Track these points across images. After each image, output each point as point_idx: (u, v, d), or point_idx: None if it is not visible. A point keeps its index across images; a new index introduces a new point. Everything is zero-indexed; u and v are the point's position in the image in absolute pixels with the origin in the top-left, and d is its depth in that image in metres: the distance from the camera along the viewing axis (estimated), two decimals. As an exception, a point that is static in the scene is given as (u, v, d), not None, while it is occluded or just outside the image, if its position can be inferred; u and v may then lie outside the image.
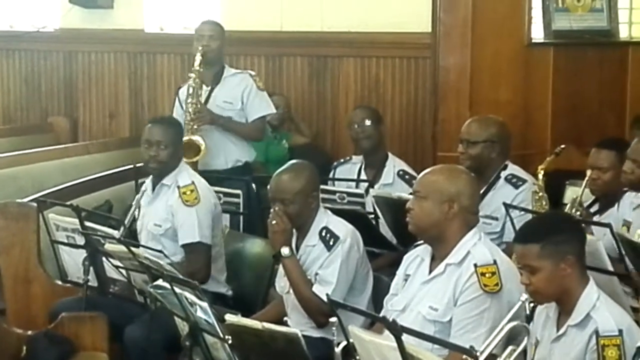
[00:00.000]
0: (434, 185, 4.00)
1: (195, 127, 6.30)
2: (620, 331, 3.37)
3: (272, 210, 4.57)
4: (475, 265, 3.83)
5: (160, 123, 5.42)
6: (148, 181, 5.36)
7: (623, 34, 7.45)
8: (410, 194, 4.12)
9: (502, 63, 7.32)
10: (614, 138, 5.61)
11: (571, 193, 5.83)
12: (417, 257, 4.09)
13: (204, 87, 6.44)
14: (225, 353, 3.82)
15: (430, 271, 4.00)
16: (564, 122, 7.34)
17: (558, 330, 3.54)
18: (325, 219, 4.61)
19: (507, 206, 4.93)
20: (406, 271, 4.10)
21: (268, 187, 4.70)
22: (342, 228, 4.53)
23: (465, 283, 3.84)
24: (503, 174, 5.37)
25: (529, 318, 3.57)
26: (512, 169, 5.44)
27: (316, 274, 4.51)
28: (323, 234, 4.54)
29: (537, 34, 7.34)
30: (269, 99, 6.59)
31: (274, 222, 4.51)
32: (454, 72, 7.38)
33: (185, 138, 5.94)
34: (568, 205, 5.20)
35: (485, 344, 3.37)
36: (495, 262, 3.85)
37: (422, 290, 3.97)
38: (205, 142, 6.27)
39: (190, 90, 6.32)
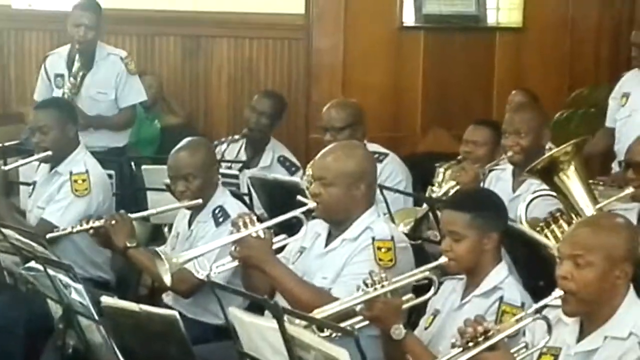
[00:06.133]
0: (339, 169, 3.91)
1: None
2: (523, 304, 3.45)
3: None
4: (373, 239, 3.85)
5: (43, 107, 5.24)
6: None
7: (491, 19, 7.58)
8: (314, 179, 4.01)
9: (375, 46, 7.40)
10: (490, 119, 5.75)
11: (439, 178, 5.91)
12: (314, 231, 4.05)
13: (77, 71, 6.23)
14: (100, 335, 3.75)
15: (326, 245, 3.98)
16: (433, 105, 7.47)
17: (462, 300, 3.60)
18: (222, 198, 4.57)
19: (381, 187, 4.96)
20: (302, 243, 4.07)
21: (167, 166, 4.61)
22: (237, 209, 4.48)
23: (360, 250, 3.85)
24: None
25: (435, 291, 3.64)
26: (372, 146, 5.46)
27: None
28: (217, 211, 4.49)
29: (409, 17, 7.42)
30: (141, 84, 6.43)
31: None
32: (327, 55, 7.43)
33: None
34: (436, 185, 5.28)
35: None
36: (392, 239, 3.87)
37: (316, 263, 3.95)
38: None
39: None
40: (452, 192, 4.85)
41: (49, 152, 5.11)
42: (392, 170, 5.44)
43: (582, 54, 7.54)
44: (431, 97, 7.46)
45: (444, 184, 5.02)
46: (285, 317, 3.00)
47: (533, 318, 3.14)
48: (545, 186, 4.43)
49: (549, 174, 4.38)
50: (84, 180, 5.03)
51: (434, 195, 5.10)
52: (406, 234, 4.36)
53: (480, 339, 3.00)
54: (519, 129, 4.76)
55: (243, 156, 6.08)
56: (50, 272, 3.81)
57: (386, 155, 5.51)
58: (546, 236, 4.28)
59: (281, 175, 5.66)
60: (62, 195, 5.03)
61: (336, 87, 7.34)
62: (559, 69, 7.53)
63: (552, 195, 4.45)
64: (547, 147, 4.82)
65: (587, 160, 4.66)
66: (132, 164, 5.93)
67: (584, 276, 3.06)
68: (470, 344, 3.01)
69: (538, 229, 4.30)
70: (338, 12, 7.33)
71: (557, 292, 3.08)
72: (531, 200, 4.45)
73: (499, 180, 4.89)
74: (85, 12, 6.19)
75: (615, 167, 5.61)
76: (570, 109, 6.91)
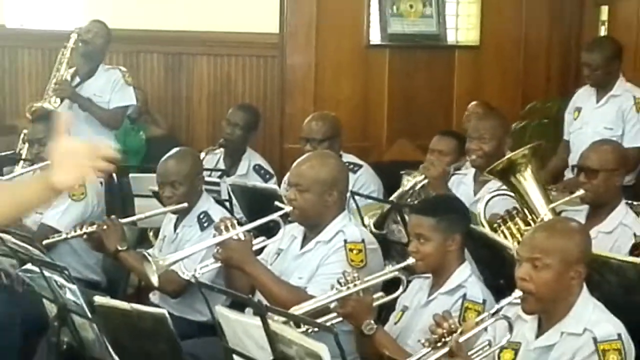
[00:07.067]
0: (313, 177, 3.92)
1: (53, 98, 6.17)
2: (485, 301, 3.49)
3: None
4: (345, 241, 3.86)
5: (41, 119, 5.29)
6: None
7: (450, 38, 7.64)
8: (290, 185, 4.03)
9: (344, 63, 7.46)
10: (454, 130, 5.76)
11: (407, 182, 5.92)
12: (291, 234, 4.06)
13: (77, 79, 6.29)
14: (93, 332, 3.74)
15: (302, 247, 3.99)
16: (398, 118, 7.51)
17: (429, 297, 3.63)
18: (207, 204, 4.56)
19: (353, 193, 4.97)
20: (279, 245, 4.07)
21: (156, 173, 4.59)
22: (220, 214, 4.46)
23: (333, 252, 3.86)
24: None
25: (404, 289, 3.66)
26: (347, 157, 5.47)
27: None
28: (201, 217, 4.49)
29: (375, 36, 7.47)
30: (134, 94, 6.45)
31: None
32: (300, 71, 7.47)
33: (37, 104, 5.97)
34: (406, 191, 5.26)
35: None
36: (363, 241, 3.89)
37: (293, 264, 3.96)
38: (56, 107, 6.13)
39: (61, 63, 6.23)
40: (419, 185, 4.78)
41: (49, 162, 5.09)
42: (366, 181, 5.41)
43: (534, 70, 7.62)
44: (396, 110, 7.51)
45: (413, 177, 4.94)
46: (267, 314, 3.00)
47: (496, 319, 3.14)
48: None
49: (507, 174, 4.45)
50: (79, 185, 5.01)
51: (404, 187, 5.02)
52: (371, 231, 4.38)
53: (447, 339, 3.00)
54: (483, 134, 4.81)
55: (222, 165, 6.06)
56: (46, 273, 3.79)
57: (360, 166, 5.48)
58: (503, 232, 4.33)
59: (257, 182, 5.66)
60: (60, 201, 4.98)
61: (308, 101, 7.37)
62: (513, 84, 7.61)
63: (508, 194, 4.50)
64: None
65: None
66: (118, 172, 5.90)
67: (542, 277, 3.08)
68: (439, 343, 3.01)
69: (495, 225, 4.35)
70: (309, 32, 7.38)
71: (517, 293, 3.10)
72: (490, 199, 4.49)
73: (461, 184, 4.92)
74: (97, 23, 6.41)
75: (567, 174, 5.66)
76: (524, 120, 6.97)
